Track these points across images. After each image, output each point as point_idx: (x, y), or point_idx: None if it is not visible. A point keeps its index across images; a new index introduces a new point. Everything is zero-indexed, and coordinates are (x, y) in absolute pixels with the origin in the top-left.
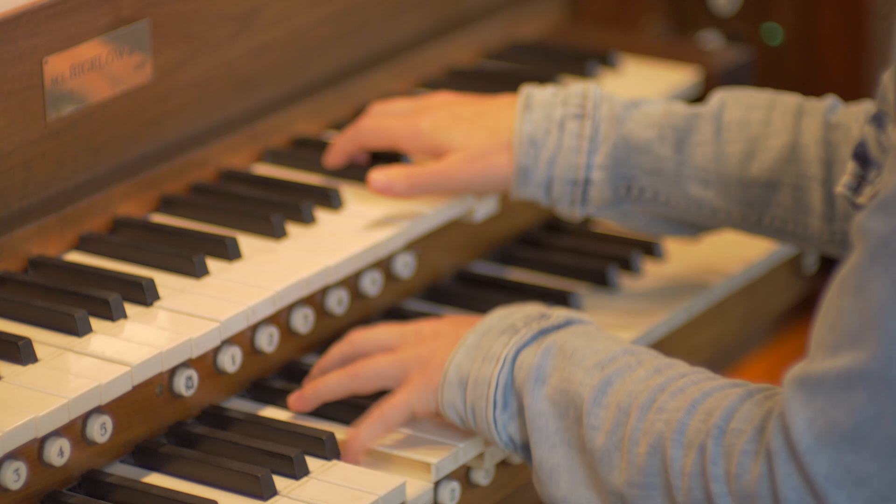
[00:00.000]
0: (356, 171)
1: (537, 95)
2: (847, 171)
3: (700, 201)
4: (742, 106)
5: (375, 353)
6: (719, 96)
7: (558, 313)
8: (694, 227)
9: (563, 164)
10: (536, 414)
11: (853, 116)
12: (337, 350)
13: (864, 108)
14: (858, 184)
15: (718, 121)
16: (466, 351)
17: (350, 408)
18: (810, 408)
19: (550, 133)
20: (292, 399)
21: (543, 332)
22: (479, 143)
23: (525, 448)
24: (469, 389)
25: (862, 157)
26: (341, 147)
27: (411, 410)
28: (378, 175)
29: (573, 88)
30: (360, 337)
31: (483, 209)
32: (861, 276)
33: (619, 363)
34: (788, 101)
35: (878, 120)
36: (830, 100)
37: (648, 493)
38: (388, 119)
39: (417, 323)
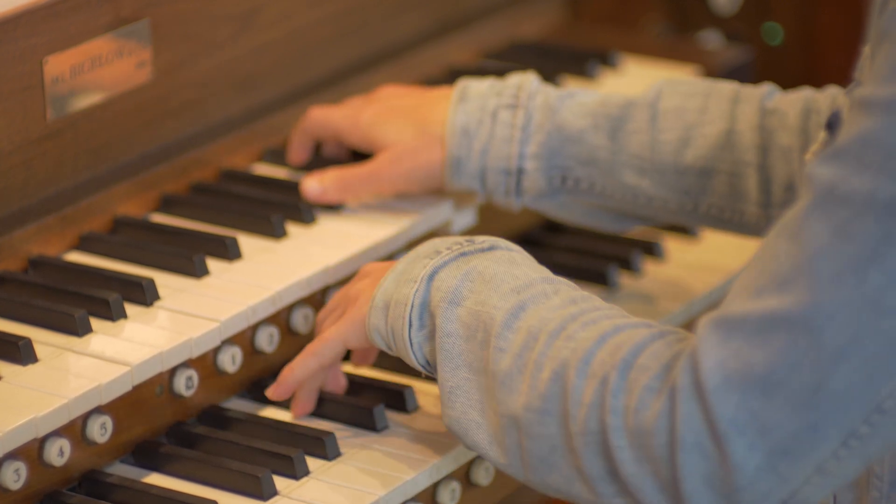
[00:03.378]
0: None
1: (474, 87)
2: (818, 140)
3: (636, 190)
4: (680, 94)
5: None
6: (657, 85)
7: (483, 238)
8: (632, 218)
9: (495, 155)
10: (446, 334)
11: (790, 102)
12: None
13: (804, 94)
14: None
15: (654, 109)
16: (394, 277)
17: (350, 407)
18: (725, 348)
19: (483, 123)
20: (269, 391)
21: (465, 255)
22: (407, 140)
23: None
24: (390, 311)
25: (834, 128)
26: (297, 141)
27: (344, 344)
28: (311, 181)
29: (510, 80)
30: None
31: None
32: (800, 220)
33: (536, 290)
34: (725, 88)
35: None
36: (767, 87)
37: (543, 419)
38: (334, 110)
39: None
